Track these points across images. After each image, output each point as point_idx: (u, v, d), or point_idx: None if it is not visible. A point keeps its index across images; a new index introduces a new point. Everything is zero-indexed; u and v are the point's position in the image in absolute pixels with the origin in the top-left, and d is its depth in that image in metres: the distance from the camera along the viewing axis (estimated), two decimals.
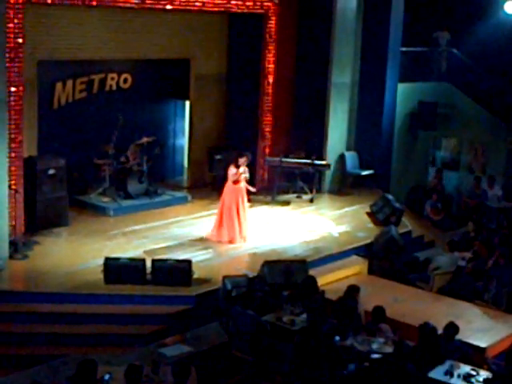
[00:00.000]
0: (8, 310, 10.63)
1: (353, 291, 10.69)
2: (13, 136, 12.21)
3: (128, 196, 14.85)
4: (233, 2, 15.35)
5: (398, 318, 10.64)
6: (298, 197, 16.33)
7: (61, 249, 12.60)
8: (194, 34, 16.03)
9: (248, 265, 12.42)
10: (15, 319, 10.57)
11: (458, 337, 9.68)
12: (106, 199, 14.74)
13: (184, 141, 17.12)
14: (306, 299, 10.61)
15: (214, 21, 16.35)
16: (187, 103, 16.88)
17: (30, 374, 8.62)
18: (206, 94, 16.63)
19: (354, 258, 13.37)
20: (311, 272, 11.77)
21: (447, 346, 9.47)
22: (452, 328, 9.64)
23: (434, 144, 19.01)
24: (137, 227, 13.76)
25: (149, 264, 11.43)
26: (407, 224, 15.17)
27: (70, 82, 14.78)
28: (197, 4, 14.78)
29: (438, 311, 11.07)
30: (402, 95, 17.79)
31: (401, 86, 17.68)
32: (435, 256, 13.67)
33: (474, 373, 8.92)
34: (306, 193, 16.37)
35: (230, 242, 13.18)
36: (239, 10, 15.63)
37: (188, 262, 11.52)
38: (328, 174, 16.84)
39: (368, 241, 13.84)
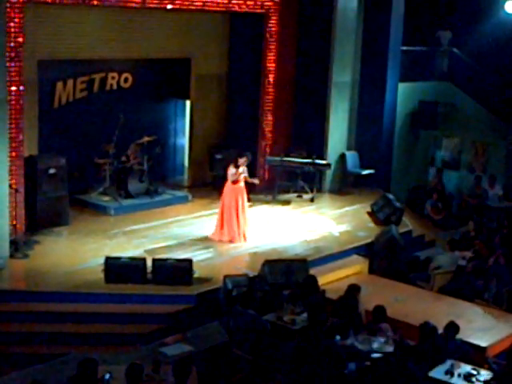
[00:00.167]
0: (8, 309, 10.63)
1: (353, 290, 10.68)
2: (13, 135, 12.22)
3: (128, 195, 14.85)
4: (233, 2, 15.36)
5: (399, 317, 10.63)
6: (298, 196, 16.32)
7: (61, 248, 12.60)
8: (194, 33, 16.04)
9: (249, 264, 12.42)
10: (16, 318, 10.57)
11: (459, 336, 9.68)
12: (106, 198, 14.75)
13: (184, 140, 17.13)
14: (306, 298, 10.61)
15: (214, 20, 16.35)
16: (188, 102, 16.88)
17: (31, 374, 8.59)
18: (206, 94, 16.63)
19: (355, 257, 13.38)
20: (312, 271, 11.78)
21: (448, 345, 9.46)
22: (452, 327, 9.64)
23: (434, 143, 19.01)
24: (137, 226, 13.76)
25: (149, 263, 11.44)
26: (408, 223, 15.17)
27: (70, 82, 14.78)
28: (197, 3, 14.78)
29: (438, 310, 11.07)
30: (403, 94, 17.78)
31: (401, 86, 17.68)
32: (436, 255, 13.67)
33: (474, 372, 8.92)
34: (306, 192, 16.37)
35: (231, 241, 13.19)
36: (240, 10, 15.63)
37: (189, 262, 11.52)
38: (329, 173, 16.84)
39: (368, 240, 13.84)
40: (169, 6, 14.43)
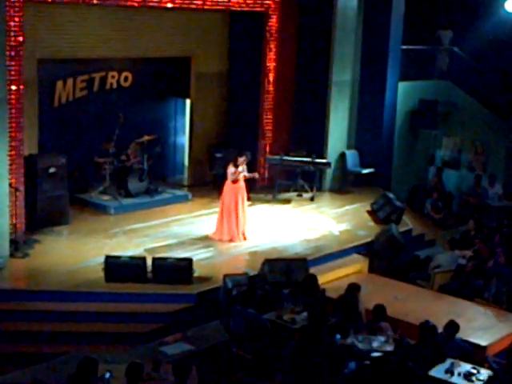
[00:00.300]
0: (9, 308, 10.63)
1: (353, 289, 10.68)
2: (13, 134, 12.22)
3: (128, 194, 14.85)
4: (233, 1, 15.35)
5: (399, 316, 10.64)
6: (298, 195, 16.32)
7: (61, 247, 12.60)
8: (194, 32, 16.03)
9: (249, 263, 12.42)
10: (16, 317, 10.57)
11: (459, 335, 9.69)
12: (106, 197, 14.75)
13: (184, 139, 17.12)
14: (306, 297, 10.61)
15: (214, 19, 16.34)
16: (188, 101, 16.87)
17: (31, 373, 8.61)
18: (206, 93, 16.62)
19: (355, 256, 13.38)
20: (312, 270, 11.78)
21: (448, 344, 9.47)
22: (452, 326, 9.64)
23: (434, 142, 19.00)
24: (137, 225, 13.76)
25: (149, 262, 11.44)
26: (408, 222, 15.17)
27: (70, 81, 14.78)
28: (197, 2, 14.78)
29: (438, 309, 11.07)
30: (403, 93, 17.77)
31: (401, 85, 17.67)
32: (436, 254, 13.68)
33: (474, 371, 8.93)
34: (306, 191, 16.36)
35: (231, 240, 13.19)
36: (240, 9, 15.63)
37: (189, 261, 11.52)
38: (329, 172, 16.84)
39: (369, 239, 13.84)
40: (169, 5, 14.42)
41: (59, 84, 14.61)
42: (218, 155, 16.27)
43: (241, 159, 13.16)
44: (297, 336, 9.64)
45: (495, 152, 18.11)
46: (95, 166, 14.80)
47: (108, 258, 11.42)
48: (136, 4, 13.93)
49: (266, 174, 16.74)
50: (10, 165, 12.13)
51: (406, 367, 8.63)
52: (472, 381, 8.79)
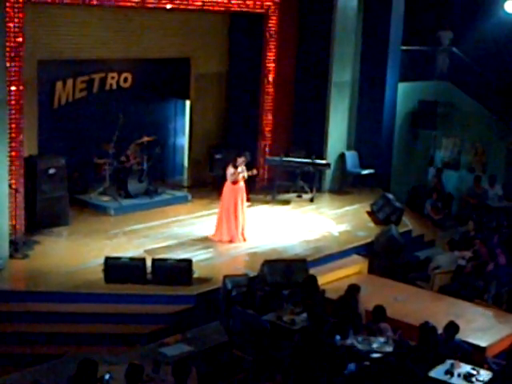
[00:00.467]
0: (8, 309, 10.63)
1: (353, 290, 10.69)
2: (13, 135, 12.21)
3: (128, 195, 14.85)
4: (233, 2, 15.35)
5: (399, 317, 10.64)
6: (298, 196, 16.32)
7: (61, 248, 12.59)
8: (194, 33, 16.02)
9: (248, 264, 12.42)
10: (15, 319, 10.57)
11: (459, 336, 9.69)
12: (106, 198, 14.75)
13: (184, 140, 17.12)
14: (306, 298, 10.61)
15: (214, 20, 16.34)
16: (187, 102, 16.87)
17: (31, 374, 8.61)
18: (206, 94, 16.62)
19: (355, 257, 13.38)
20: (311, 271, 11.78)
21: (447, 345, 9.47)
22: (452, 327, 9.65)
23: (434, 143, 19.01)
24: (137, 226, 13.76)
25: (149, 263, 11.44)
26: (407, 223, 15.17)
27: (70, 82, 14.78)
28: (197, 3, 14.78)
29: (438, 310, 11.08)
30: (403, 94, 17.78)
31: (401, 85, 17.68)
32: (435, 255, 13.68)
33: (474, 372, 8.93)
34: (306, 192, 16.36)
35: (230, 241, 13.19)
36: (240, 10, 15.62)
37: (188, 262, 11.52)
38: (328, 173, 16.84)
39: (368, 240, 13.84)
40: (168, 6, 14.43)
41: (59, 85, 14.61)
42: (218, 156, 16.26)
43: (240, 160, 13.16)
44: (297, 337, 9.64)
45: (495, 153, 18.11)
46: (95, 166, 14.79)
47: (108, 259, 11.42)
48: (135, 5, 13.93)
49: (266, 175, 16.74)
50: (10, 166, 12.12)
51: (406, 368, 8.63)
52: (472, 382, 8.79)
